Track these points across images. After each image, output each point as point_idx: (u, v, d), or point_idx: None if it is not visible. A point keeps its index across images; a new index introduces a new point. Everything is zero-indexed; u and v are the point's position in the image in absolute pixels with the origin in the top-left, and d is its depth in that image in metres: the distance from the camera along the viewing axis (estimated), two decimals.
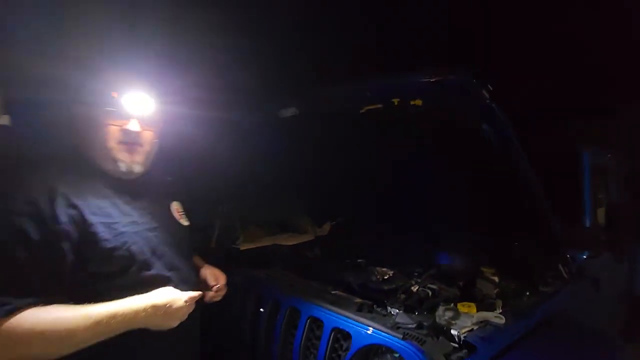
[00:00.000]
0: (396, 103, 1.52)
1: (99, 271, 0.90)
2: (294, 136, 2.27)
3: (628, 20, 2.36)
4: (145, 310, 0.87)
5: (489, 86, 1.16)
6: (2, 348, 0.76)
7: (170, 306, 0.91)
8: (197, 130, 1.90)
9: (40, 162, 0.97)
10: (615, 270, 2.46)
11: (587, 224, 1.99)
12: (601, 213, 2.12)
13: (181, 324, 0.97)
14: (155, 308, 0.89)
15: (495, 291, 1.66)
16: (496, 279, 1.75)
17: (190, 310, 0.96)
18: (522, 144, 1.34)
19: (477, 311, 1.42)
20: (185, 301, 0.94)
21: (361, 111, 1.65)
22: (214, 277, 1.25)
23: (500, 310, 1.43)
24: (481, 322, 1.36)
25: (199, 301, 1.08)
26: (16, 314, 0.76)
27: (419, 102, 1.45)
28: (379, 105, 1.58)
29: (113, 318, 0.82)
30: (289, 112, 1.94)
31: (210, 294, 1.20)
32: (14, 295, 0.78)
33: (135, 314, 0.86)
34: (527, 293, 1.63)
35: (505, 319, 1.36)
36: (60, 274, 0.85)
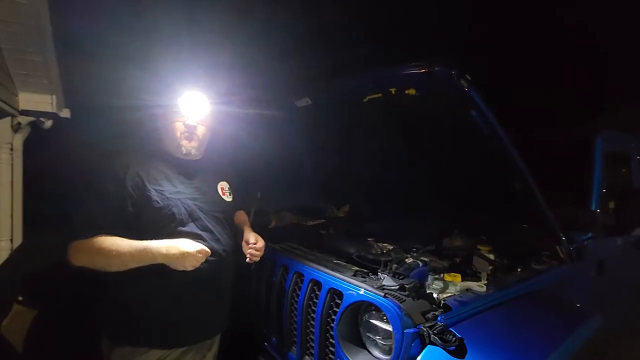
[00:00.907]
0: (393, 92, 1.67)
1: (149, 223, 1.28)
2: (313, 127, 2.47)
3: None
4: (166, 248, 1.21)
5: (467, 76, 1.29)
6: (85, 255, 1.20)
7: (184, 250, 1.22)
8: (240, 125, 2.17)
9: (125, 148, 1.42)
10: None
11: (594, 207, 2.02)
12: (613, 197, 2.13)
13: (217, 280, 1.39)
14: (173, 248, 1.21)
15: (490, 268, 1.78)
16: (491, 256, 1.87)
17: (200, 259, 1.25)
18: (506, 129, 1.44)
19: (462, 281, 1.57)
20: (197, 251, 1.24)
21: (364, 100, 1.81)
22: (254, 238, 1.57)
23: (485, 282, 1.56)
24: (465, 290, 1.52)
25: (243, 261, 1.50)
26: (94, 238, 1.19)
27: (412, 91, 1.60)
28: (379, 95, 1.73)
29: (144, 250, 1.20)
30: (303, 102, 2.13)
31: (249, 250, 1.53)
32: (94, 226, 1.20)
33: (158, 250, 1.20)
34: (519, 270, 1.74)
35: (487, 289, 1.50)
36: (122, 219, 1.25)
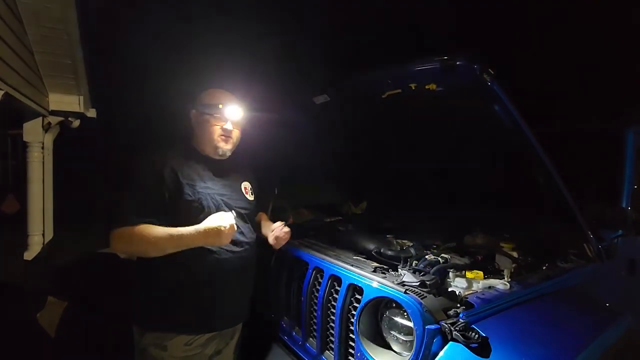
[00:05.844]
0: (413, 87, 1.65)
1: (182, 213, 1.38)
2: (331, 124, 2.47)
3: None
4: (199, 231, 1.31)
5: (490, 70, 1.26)
6: (125, 242, 1.32)
7: (217, 229, 1.31)
8: (260, 124, 2.21)
9: (164, 146, 1.54)
10: None
11: (624, 204, 1.94)
12: None
13: (241, 270, 1.48)
14: (207, 229, 1.31)
15: (513, 265, 1.74)
16: (515, 254, 1.83)
17: (232, 233, 1.36)
18: (531, 124, 1.40)
19: (485, 279, 1.54)
20: (226, 227, 1.32)
21: (383, 96, 1.80)
22: (280, 223, 1.67)
23: (509, 279, 1.53)
24: (487, 287, 1.49)
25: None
26: (136, 226, 1.29)
27: (433, 86, 1.57)
28: (399, 90, 1.72)
29: (181, 236, 1.31)
30: (321, 98, 2.13)
31: (276, 232, 1.63)
32: (137, 215, 1.31)
33: (195, 233, 1.31)
34: (544, 268, 1.69)
35: (510, 287, 1.47)
36: (160, 209, 1.36)
